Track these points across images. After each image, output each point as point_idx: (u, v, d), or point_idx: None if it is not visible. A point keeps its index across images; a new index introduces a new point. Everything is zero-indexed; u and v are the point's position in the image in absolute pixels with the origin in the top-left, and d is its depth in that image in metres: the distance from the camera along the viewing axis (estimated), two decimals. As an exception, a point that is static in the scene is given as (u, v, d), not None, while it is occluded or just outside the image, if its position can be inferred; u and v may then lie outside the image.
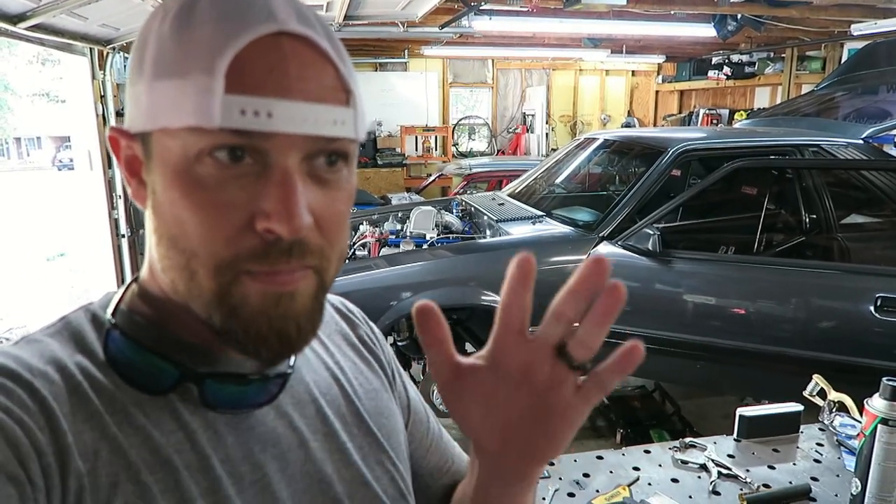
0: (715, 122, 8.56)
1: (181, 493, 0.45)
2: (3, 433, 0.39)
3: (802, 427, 1.43)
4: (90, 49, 4.10)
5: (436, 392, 2.91)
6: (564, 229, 3.05)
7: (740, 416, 1.39)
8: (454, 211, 3.75)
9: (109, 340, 0.49)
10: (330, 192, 0.47)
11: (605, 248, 2.84)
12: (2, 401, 0.41)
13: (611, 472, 1.27)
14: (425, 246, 3.26)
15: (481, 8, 4.49)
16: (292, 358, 0.56)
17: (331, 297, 0.68)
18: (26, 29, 3.05)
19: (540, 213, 3.31)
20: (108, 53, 4.27)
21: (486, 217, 3.42)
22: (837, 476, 1.25)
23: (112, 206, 4.47)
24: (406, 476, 0.62)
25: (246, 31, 0.43)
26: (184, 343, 0.51)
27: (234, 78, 0.42)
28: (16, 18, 2.94)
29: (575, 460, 1.30)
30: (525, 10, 4.62)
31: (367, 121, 0.51)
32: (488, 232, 3.33)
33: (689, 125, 8.97)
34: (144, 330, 0.51)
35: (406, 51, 8.57)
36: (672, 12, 5.17)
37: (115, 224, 4.49)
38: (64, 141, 27.66)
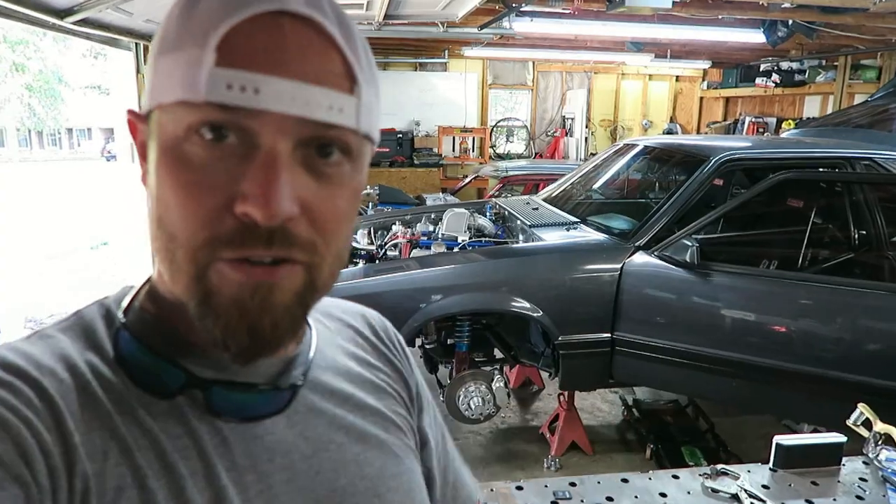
0: (761, 130, 8.31)
1: (185, 500, 0.44)
2: (10, 433, 0.39)
3: (845, 459, 1.34)
4: (135, 44, 4.20)
5: (461, 398, 2.88)
6: (599, 237, 2.98)
7: (777, 444, 1.32)
8: (487, 214, 3.71)
9: (119, 339, 0.48)
10: (328, 187, 0.45)
11: (640, 258, 2.76)
12: (9, 399, 0.40)
13: (636, 497, 1.21)
14: (456, 249, 3.23)
15: (522, 9, 4.43)
16: (304, 367, 0.54)
17: (372, 312, 0.68)
18: (74, 24, 3.13)
19: (574, 219, 3.24)
20: None
21: (519, 221, 3.36)
22: (882, 515, 1.17)
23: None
24: (421, 489, 0.59)
25: (245, 6, 0.41)
26: (191, 345, 0.49)
27: (225, 52, 0.41)
28: (63, 13, 3.03)
29: (598, 482, 1.25)
30: (567, 12, 4.54)
31: (378, 117, 0.48)
32: (521, 237, 3.28)
33: (733, 133, 8.73)
34: (153, 330, 0.49)
35: (446, 51, 8.55)
36: (720, 17, 5.03)
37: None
38: (112, 132, 28.53)
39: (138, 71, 4.31)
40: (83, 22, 3.19)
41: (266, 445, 0.50)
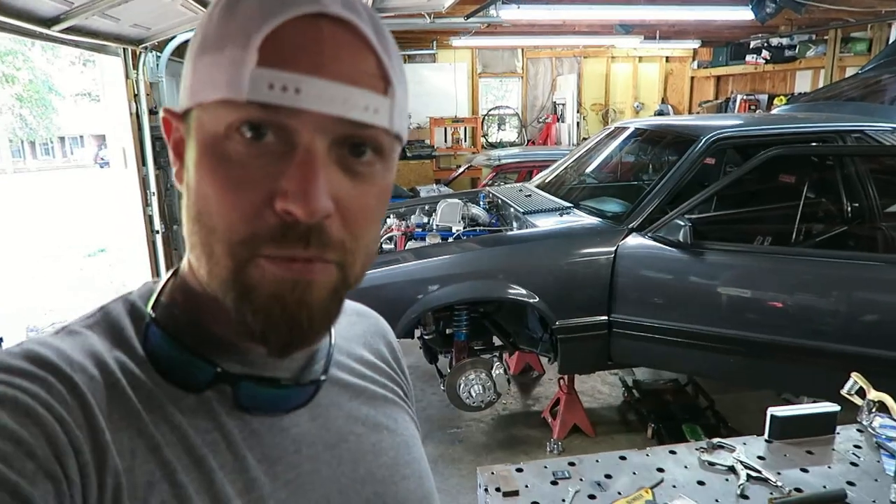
0: (753, 108, 8.30)
1: (216, 492, 0.45)
2: (43, 429, 0.39)
3: (839, 428, 1.37)
4: (123, 49, 4.18)
5: (462, 386, 2.90)
6: (592, 221, 2.99)
7: (772, 415, 1.34)
8: (481, 203, 3.72)
9: (149, 335, 0.49)
10: (360, 185, 0.46)
11: (634, 240, 2.77)
12: (42, 395, 0.41)
13: (634, 473, 1.23)
14: (451, 239, 3.24)
15: (508, -3, 4.42)
16: (325, 361, 0.56)
17: (370, 311, 0.71)
18: (61, 32, 3.12)
19: (567, 204, 3.25)
20: (140, 53, 4.35)
21: (512, 209, 3.37)
22: (876, 480, 1.19)
23: (146, 203, 4.56)
24: (429, 476, 0.62)
25: (286, 8, 0.43)
26: (219, 340, 0.51)
27: (267, 53, 0.42)
28: (50, 22, 3.01)
29: (597, 461, 1.27)
30: (553, -3, 4.53)
31: (407, 119, 0.50)
32: (515, 224, 3.29)
33: (725, 112, 8.72)
34: (182, 325, 0.51)
35: (434, 42, 8.52)
36: (707, -5, 5.02)
37: (149, 220, 4.58)
38: (104, 139, 28.39)
39: (127, 76, 4.29)
40: (71, 30, 3.17)
41: (293, 438, 0.52)
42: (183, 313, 0.51)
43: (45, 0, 2.81)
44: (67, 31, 3.20)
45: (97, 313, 0.50)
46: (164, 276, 0.54)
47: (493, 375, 2.90)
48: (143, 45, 4.27)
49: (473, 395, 2.88)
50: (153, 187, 4.53)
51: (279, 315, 0.45)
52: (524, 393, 3.82)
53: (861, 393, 1.41)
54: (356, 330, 0.66)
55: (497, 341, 3.26)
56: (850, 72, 6.64)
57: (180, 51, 5.09)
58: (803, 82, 7.96)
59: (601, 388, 3.80)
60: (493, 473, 1.23)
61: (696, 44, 8.87)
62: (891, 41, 6.44)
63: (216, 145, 0.44)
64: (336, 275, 0.47)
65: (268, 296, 0.45)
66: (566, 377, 3.21)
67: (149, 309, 0.50)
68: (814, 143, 3.10)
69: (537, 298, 2.74)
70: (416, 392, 3.78)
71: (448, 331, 3.08)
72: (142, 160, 4.50)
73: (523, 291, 2.73)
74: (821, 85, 7.18)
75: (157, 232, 4.60)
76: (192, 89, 0.45)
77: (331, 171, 0.44)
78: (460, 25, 5.85)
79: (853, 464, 1.25)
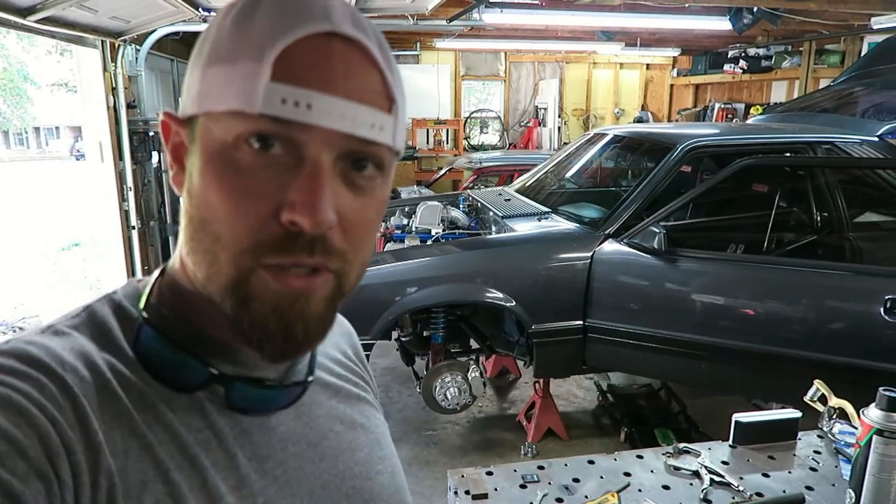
0: (730, 116, 8.44)
1: (209, 490, 0.47)
2: (36, 430, 0.40)
3: (801, 434, 1.40)
4: (101, 41, 4.12)
5: (438, 389, 2.91)
6: (570, 226, 3.02)
7: (736, 421, 1.37)
8: (461, 206, 3.74)
9: (141, 335, 0.49)
10: (361, 198, 0.48)
11: (610, 246, 2.81)
12: (35, 395, 0.41)
13: (601, 477, 1.25)
14: (430, 241, 3.25)
15: (492, 1, 4.44)
16: (309, 363, 0.58)
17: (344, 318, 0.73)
18: (37, 22, 3.07)
19: (546, 209, 3.28)
20: (119, 45, 4.29)
21: (491, 213, 3.40)
22: (833, 485, 1.23)
23: (122, 198, 4.50)
24: (401, 472, 0.65)
25: (300, 26, 0.44)
26: (210, 340, 0.52)
27: (280, 68, 0.43)
28: (26, 11, 2.96)
29: (566, 465, 1.29)
30: (536, 2, 4.57)
31: (405, 133, 0.52)
32: (494, 228, 3.32)
33: (703, 119, 8.85)
34: (174, 325, 0.51)
35: (418, 43, 8.53)
36: (687, 5, 5.10)
37: (125, 215, 4.53)
38: (81, 131, 27.91)
39: (105, 69, 4.24)
40: (47, 20, 3.13)
41: (280, 436, 0.54)
42: (173, 314, 0.52)
43: (22, -10, 2.77)
44: (44, 21, 3.16)
45: (82, 313, 0.50)
46: (152, 275, 0.55)
47: (469, 378, 2.92)
48: (122, 38, 4.22)
49: (449, 397, 2.90)
50: (130, 182, 4.48)
51: (275, 327, 0.47)
52: (500, 396, 3.84)
53: (823, 400, 1.45)
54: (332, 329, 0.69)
55: (474, 344, 3.28)
56: (823, 83, 6.79)
57: (160, 45, 5.03)
58: (779, 92, 8.12)
59: (576, 392, 3.84)
60: (462, 476, 1.25)
61: (675, 52, 9.00)
62: (863, 54, 6.60)
63: (224, 154, 0.45)
64: (333, 284, 0.48)
65: (267, 307, 0.46)
66: (541, 381, 3.24)
67: (141, 309, 0.51)
68: (786, 154, 3.17)
69: (514, 302, 2.76)
70: (392, 394, 3.77)
71: (425, 333, 3.09)
72: (119, 154, 4.45)
73: (500, 295, 2.76)
74: (796, 95, 7.33)
75: (133, 227, 4.54)
76: (200, 97, 0.46)
77: (335, 185, 0.46)
78: (443, 28, 5.87)
79: (812, 469, 1.29)
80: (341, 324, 0.72)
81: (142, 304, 0.51)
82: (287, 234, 0.45)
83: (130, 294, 0.53)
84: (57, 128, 32.46)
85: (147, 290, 0.52)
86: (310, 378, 0.57)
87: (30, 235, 9.14)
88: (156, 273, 0.55)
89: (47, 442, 0.40)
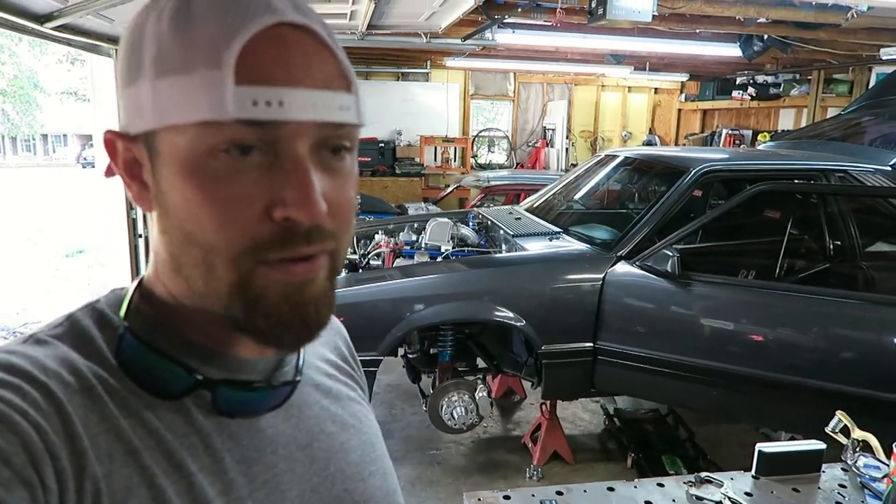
0: (738, 142, 8.46)
1: (196, 495, 0.46)
2: (19, 436, 0.39)
3: (824, 466, 1.37)
4: (115, 50, 4.15)
5: (444, 407, 2.88)
6: (581, 247, 3.00)
7: (759, 452, 1.34)
8: (470, 224, 3.72)
9: (123, 344, 0.48)
10: (338, 179, 0.48)
11: (622, 268, 2.79)
12: (17, 402, 0.40)
13: (622, 505, 1.22)
14: (440, 258, 3.23)
15: (505, 21, 4.47)
16: (296, 363, 0.58)
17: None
18: (53, 29, 3.09)
19: (557, 229, 3.27)
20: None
21: (502, 231, 3.38)
22: (861, 521, 1.19)
23: (130, 207, 4.50)
24: (393, 473, 0.65)
25: (248, 23, 0.43)
26: (193, 345, 0.51)
27: (241, 70, 0.43)
28: (43, 18, 2.98)
29: (585, 490, 1.26)
30: (549, 24, 4.59)
31: (366, 105, 0.51)
32: (504, 246, 3.30)
33: (711, 145, 8.87)
34: (156, 333, 0.50)
35: (428, 61, 8.58)
36: (697, 31, 5.12)
37: (132, 224, 4.52)
38: (89, 139, 28.11)
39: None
40: (63, 28, 3.15)
41: (269, 438, 0.53)
42: (154, 322, 0.51)
43: (41, -2, 2.78)
44: (60, 28, 3.18)
45: (64, 322, 0.50)
46: (131, 284, 0.54)
47: (477, 398, 2.88)
48: (137, 48, 4.24)
49: (456, 416, 2.86)
50: (138, 191, 4.47)
51: (290, 316, 0.47)
52: (505, 417, 3.79)
53: (845, 431, 1.42)
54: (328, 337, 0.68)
55: (481, 363, 3.24)
56: (831, 112, 6.80)
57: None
58: (786, 120, 8.14)
59: (582, 415, 3.79)
60: (479, 500, 1.22)
61: (684, 77, 9.05)
62: (871, 84, 6.63)
63: (200, 165, 0.44)
64: (328, 264, 0.49)
65: (277, 300, 0.47)
66: (548, 403, 3.20)
67: (120, 317, 0.50)
68: (799, 181, 3.16)
69: (524, 322, 2.73)
70: (395, 411, 3.73)
71: (432, 351, 3.05)
72: (128, 163, 4.44)
73: (510, 314, 2.73)
74: (803, 123, 7.35)
75: (140, 236, 4.53)
76: (158, 111, 0.44)
77: (316, 173, 0.46)
78: (456, 47, 5.90)
79: (838, 503, 1.25)
80: (333, 322, 0.70)
81: (122, 312, 0.50)
82: (283, 230, 0.45)
83: (112, 302, 0.52)
84: (65, 135, 32.67)
85: (127, 299, 0.52)
86: (297, 377, 0.56)
87: (34, 241, 9.13)
88: (135, 283, 0.54)
89: (31, 448, 0.39)
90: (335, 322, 0.71)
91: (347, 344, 0.72)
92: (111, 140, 0.49)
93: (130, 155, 0.48)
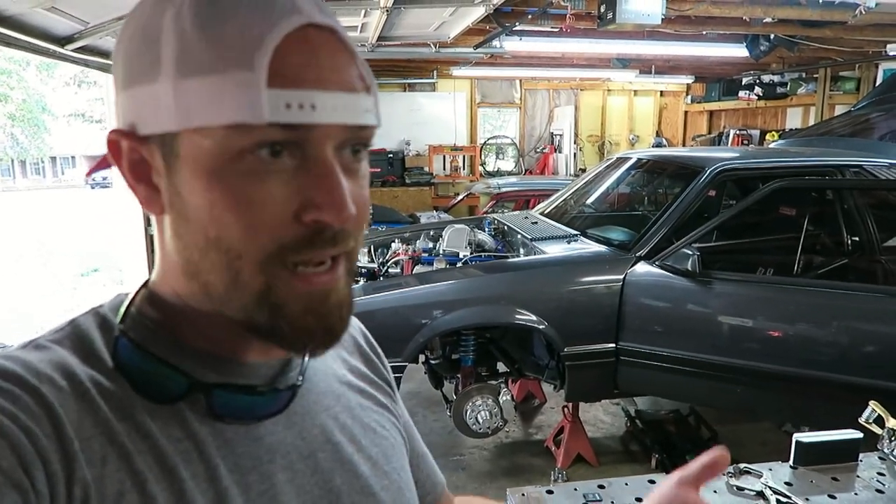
0: (746, 142, 8.46)
1: (186, 502, 0.45)
2: (8, 440, 0.39)
3: (861, 455, 1.38)
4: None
5: (469, 412, 2.89)
6: (600, 248, 3.02)
7: (797, 441, 1.35)
8: (487, 229, 3.74)
9: (118, 347, 0.48)
10: (357, 180, 0.48)
11: (642, 268, 2.80)
12: (7, 407, 0.40)
13: (664, 497, 1.23)
14: (458, 264, 3.25)
15: (513, 29, 4.52)
16: (300, 368, 0.56)
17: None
18: (73, 51, 3.16)
19: (574, 231, 3.29)
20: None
21: (519, 236, 3.40)
22: (903, 507, 1.20)
23: (148, 223, 4.56)
24: (411, 487, 0.62)
25: (278, 24, 0.43)
26: (194, 350, 0.50)
27: (273, 71, 0.42)
28: (64, 41, 3.05)
29: (626, 483, 1.27)
30: (556, 30, 4.64)
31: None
32: (522, 251, 3.32)
33: (719, 146, 8.88)
34: (153, 336, 0.50)
35: (435, 71, 8.65)
36: (703, 32, 5.15)
37: (150, 240, 4.58)
38: (97, 160, 28.28)
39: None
40: (82, 49, 3.21)
41: (267, 446, 0.51)
42: (154, 325, 0.50)
43: (61, 19, 2.84)
44: (79, 50, 3.24)
45: (66, 327, 0.49)
46: (134, 288, 0.53)
47: (501, 401, 2.90)
48: (152, 67, 4.31)
49: (480, 421, 2.87)
50: (156, 207, 4.53)
51: (315, 325, 0.47)
52: (526, 421, 3.80)
53: (879, 421, 1.43)
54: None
55: (501, 367, 3.25)
56: (839, 109, 6.81)
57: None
58: (794, 118, 8.14)
59: (603, 418, 3.79)
60: (523, 495, 1.23)
61: (689, 79, 9.07)
62: (878, 81, 6.63)
63: (229, 168, 0.43)
64: (346, 266, 0.49)
65: (300, 309, 0.47)
66: (570, 405, 3.20)
67: (118, 322, 0.49)
68: (814, 177, 3.17)
69: (546, 324, 2.75)
70: (417, 418, 3.75)
71: (454, 356, 3.07)
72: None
73: (532, 317, 2.74)
74: (811, 121, 7.34)
75: (158, 252, 4.58)
76: (183, 112, 0.43)
77: (340, 175, 0.46)
78: (462, 55, 5.96)
79: (879, 491, 1.26)
80: (356, 326, 0.70)
81: (119, 317, 0.50)
82: (312, 232, 0.45)
83: (115, 306, 0.52)
84: (73, 157, 33.00)
85: (126, 303, 0.51)
86: (300, 379, 0.54)
87: (47, 262, 9.22)
88: (139, 286, 0.53)
89: (21, 452, 0.39)
90: (356, 323, 0.70)
91: (368, 340, 0.70)
92: (115, 140, 0.47)
93: (137, 156, 0.47)
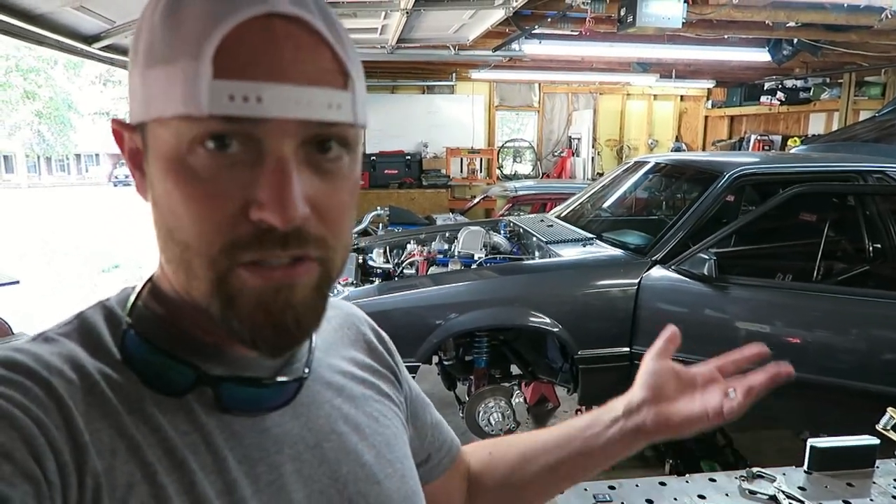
0: (767, 147, 8.37)
1: (196, 494, 0.45)
2: (20, 431, 0.39)
3: (878, 462, 1.36)
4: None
5: (482, 414, 2.89)
6: (615, 252, 3.01)
7: (812, 446, 1.33)
8: (502, 232, 3.75)
9: (126, 340, 0.49)
10: (331, 182, 0.46)
11: (657, 272, 2.78)
12: (19, 398, 0.41)
13: (675, 499, 1.23)
14: (473, 266, 3.26)
15: (532, 32, 4.52)
16: (306, 359, 0.56)
17: (348, 304, 0.71)
18: (100, 49, 3.22)
19: (590, 235, 3.27)
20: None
21: (534, 238, 3.40)
22: (919, 515, 1.19)
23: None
24: (413, 475, 0.62)
25: (234, 13, 0.41)
26: (198, 342, 0.51)
27: (222, 62, 0.41)
28: (91, 39, 3.11)
29: (637, 485, 1.27)
30: (575, 34, 4.63)
31: (367, 104, 0.49)
32: (537, 253, 3.31)
33: (739, 151, 8.79)
34: (159, 329, 0.50)
35: (454, 74, 8.67)
36: (725, 37, 5.11)
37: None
38: (120, 158, 28.71)
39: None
40: (108, 48, 3.28)
41: (274, 437, 0.51)
42: (160, 318, 0.51)
43: (89, 18, 2.90)
44: (106, 48, 3.31)
45: (74, 320, 0.50)
46: (141, 281, 0.53)
47: (513, 404, 2.89)
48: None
49: (493, 423, 2.87)
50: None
51: (263, 321, 0.45)
52: (539, 424, 3.78)
53: (897, 428, 1.41)
54: (333, 324, 0.65)
55: (515, 370, 3.25)
56: (863, 115, 6.70)
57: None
58: (817, 124, 8.04)
59: (617, 422, 3.77)
60: (533, 494, 1.23)
61: (710, 84, 9.00)
62: (905, 87, 6.53)
63: (180, 161, 0.43)
64: (318, 272, 0.47)
65: (251, 304, 0.45)
66: (584, 409, 3.19)
67: (125, 315, 0.50)
68: (836, 182, 3.13)
69: (560, 327, 2.74)
70: (433, 417, 3.73)
71: (468, 357, 3.08)
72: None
73: (546, 320, 2.74)
74: (834, 127, 7.25)
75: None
76: (146, 103, 0.44)
77: (302, 173, 0.44)
78: (480, 58, 5.97)
79: (895, 497, 1.25)
80: (349, 310, 0.69)
81: (127, 310, 0.50)
82: (259, 231, 0.43)
83: (122, 300, 0.52)
84: (97, 155, 33.55)
85: (133, 296, 0.51)
86: (306, 370, 0.54)
87: (72, 257, 9.38)
88: (144, 279, 0.53)
89: (32, 443, 0.39)
90: (361, 316, 0.70)
91: (378, 334, 0.69)
92: (117, 130, 0.49)
93: (133, 145, 0.48)
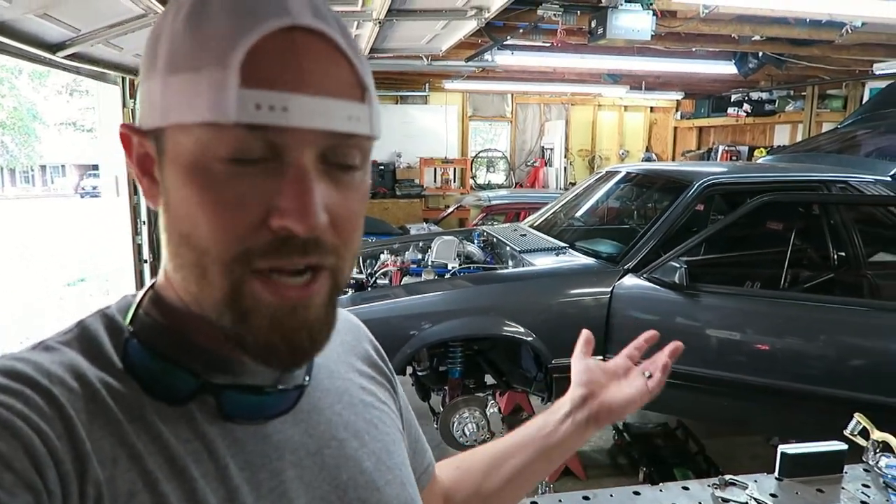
0: (734, 158, 8.55)
1: (198, 501, 0.45)
2: (21, 441, 0.39)
3: (846, 467, 1.38)
4: (122, 78, 4.21)
5: (456, 424, 2.87)
6: (588, 261, 3.02)
7: (782, 453, 1.35)
8: (476, 241, 3.75)
9: (128, 349, 0.48)
10: (345, 192, 0.47)
11: (630, 281, 2.81)
12: (20, 408, 0.40)
13: (649, 508, 1.22)
14: (447, 275, 3.25)
15: (504, 43, 4.56)
16: (306, 367, 0.56)
17: (346, 311, 0.71)
18: (64, 58, 3.14)
19: (563, 244, 3.29)
20: (139, 82, 4.38)
21: (508, 248, 3.40)
22: (887, 519, 1.20)
23: (136, 232, 4.52)
24: (412, 482, 0.63)
25: (259, 24, 0.42)
26: (200, 350, 0.50)
27: (247, 72, 0.42)
28: (55, 47, 3.03)
29: (611, 495, 1.26)
30: (547, 45, 4.68)
31: (381, 118, 0.50)
32: (511, 262, 3.32)
33: (708, 161, 8.96)
34: (161, 338, 0.50)
35: (427, 84, 8.70)
36: (693, 49, 5.21)
37: (138, 249, 4.54)
38: (88, 169, 28.27)
39: (124, 105, 4.31)
40: (73, 56, 3.20)
41: (275, 444, 0.52)
42: (162, 326, 0.51)
43: (53, 26, 2.84)
44: (70, 57, 3.23)
45: (74, 329, 0.50)
46: (142, 290, 0.54)
47: (488, 414, 2.88)
48: (143, 76, 4.30)
49: (467, 433, 2.85)
50: (144, 216, 4.51)
51: (279, 341, 0.46)
52: (514, 433, 3.77)
53: (864, 433, 1.43)
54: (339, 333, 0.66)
55: (489, 380, 3.24)
56: (826, 126, 6.90)
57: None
58: (782, 135, 8.24)
59: (591, 430, 3.78)
60: (507, 506, 1.22)
61: (679, 95, 9.17)
62: (865, 99, 6.73)
63: (201, 167, 0.43)
64: (329, 283, 0.48)
65: (266, 322, 0.45)
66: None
67: (127, 323, 0.50)
68: (801, 192, 3.20)
69: (534, 336, 2.74)
70: (407, 429, 3.70)
71: (441, 368, 3.06)
72: (134, 189, 4.48)
73: (520, 329, 2.74)
74: (798, 138, 7.44)
75: (146, 261, 4.55)
76: (165, 108, 0.44)
77: (320, 183, 0.45)
78: (453, 68, 6.00)
79: (863, 502, 1.26)
80: (349, 320, 0.70)
81: (128, 318, 0.50)
82: (279, 239, 0.44)
83: (122, 308, 0.52)
84: (63, 166, 32.81)
85: (135, 304, 0.51)
86: (306, 378, 0.55)
87: (35, 271, 9.13)
88: (145, 287, 0.53)
89: (33, 452, 0.39)
90: (353, 320, 0.70)
91: (374, 345, 0.71)
92: (126, 134, 0.49)
93: (143, 150, 0.48)
